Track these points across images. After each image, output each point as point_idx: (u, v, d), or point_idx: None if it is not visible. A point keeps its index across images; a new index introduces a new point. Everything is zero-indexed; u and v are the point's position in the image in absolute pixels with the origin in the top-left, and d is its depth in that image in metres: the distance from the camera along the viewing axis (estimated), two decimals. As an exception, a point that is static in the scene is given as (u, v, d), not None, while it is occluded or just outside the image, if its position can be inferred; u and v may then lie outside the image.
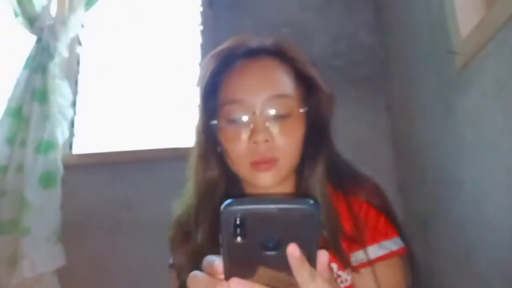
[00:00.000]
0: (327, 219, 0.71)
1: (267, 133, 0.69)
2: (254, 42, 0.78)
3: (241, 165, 0.71)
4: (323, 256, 0.41)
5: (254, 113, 0.70)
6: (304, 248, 0.39)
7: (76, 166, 1.81)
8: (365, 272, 0.72)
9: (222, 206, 0.39)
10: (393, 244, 0.74)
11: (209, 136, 0.75)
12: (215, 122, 0.74)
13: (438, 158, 1.30)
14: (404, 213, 1.57)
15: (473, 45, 1.01)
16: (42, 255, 1.54)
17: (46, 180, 1.64)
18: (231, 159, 0.72)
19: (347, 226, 0.75)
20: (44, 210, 1.60)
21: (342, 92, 1.75)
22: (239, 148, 0.70)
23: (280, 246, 0.39)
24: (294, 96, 0.73)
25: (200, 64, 0.82)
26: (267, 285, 0.41)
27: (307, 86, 0.77)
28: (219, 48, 0.79)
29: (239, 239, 0.40)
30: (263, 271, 0.41)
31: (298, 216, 0.39)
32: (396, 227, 0.76)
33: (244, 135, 0.70)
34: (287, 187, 0.76)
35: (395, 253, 0.73)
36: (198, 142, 0.78)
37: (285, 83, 0.73)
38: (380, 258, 0.72)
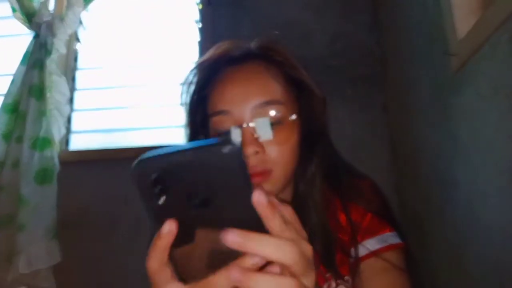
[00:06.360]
0: (321, 232, 0.68)
1: (257, 145, 0.64)
2: (238, 47, 0.74)
3: None
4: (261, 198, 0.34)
5: (242, 125, 0.65)
6: (235, 195, 0.34)
7: (73, 162, 1.80)
8: (365, 265, 0.69)
9: (132, 168, 0.34)
10: (390, 238, 0.71)
11: None
12: (202, 137, 0.72)
13: (433, 157, 1.30)
14: (400, 212, 1.57)
15: (469, 47, 1.00)
16: (38, 252, 1.53)
17: (42, 177, 1.63)
18: None
19: (345, 237, 0.72)
20: (40, 207, 1.59)
21: (339, 91, 1.77)
22: None
23: (211, 200, 0.34)
24: (283, 101, 0.68)
25: (185, 77, 0.77)
26: (211, 251, 0.36)
27: (297, 88, 0.72)
28: (202, 58, 0.75)
29: (161, 200, 0.34)
30: (202, 234, 0.36)
31: (217, 160, 0.32)
32: (393, 226, 0.74)
33: None
34: (287, 196, 0.73)
35: (391, 247, 0.70)
36: None
37: (273, 88, 0.68)
38: (374, 252, 0.70)
